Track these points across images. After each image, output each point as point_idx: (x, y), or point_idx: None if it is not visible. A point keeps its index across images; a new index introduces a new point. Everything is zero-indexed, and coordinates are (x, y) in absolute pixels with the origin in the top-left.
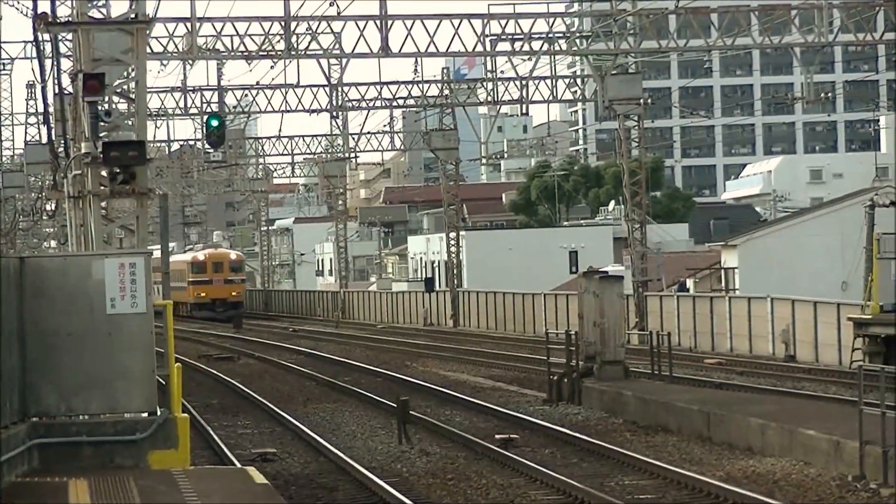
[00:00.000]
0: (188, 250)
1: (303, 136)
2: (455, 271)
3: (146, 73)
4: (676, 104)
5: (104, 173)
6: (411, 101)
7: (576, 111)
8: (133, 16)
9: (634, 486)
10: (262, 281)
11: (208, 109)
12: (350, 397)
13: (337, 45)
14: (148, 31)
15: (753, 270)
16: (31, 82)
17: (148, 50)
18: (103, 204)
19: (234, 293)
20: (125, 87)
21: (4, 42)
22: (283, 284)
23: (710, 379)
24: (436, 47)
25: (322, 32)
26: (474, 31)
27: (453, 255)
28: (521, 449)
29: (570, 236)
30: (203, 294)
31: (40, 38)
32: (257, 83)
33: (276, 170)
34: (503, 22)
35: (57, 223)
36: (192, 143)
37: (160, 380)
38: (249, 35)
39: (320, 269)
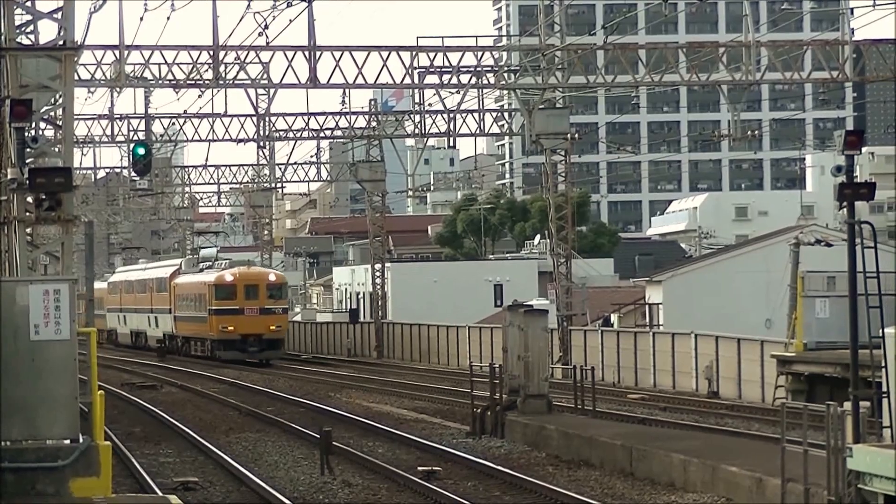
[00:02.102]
0: (205, 268)
1: (229, 166)
2: (380, 303)
3: (74, 99)
4: (603, 139)
5: (30, 199)
6: (338, 133)
7: (503, 145)
8: (61, 42)
9: None
10: None
11: (135, 137)
12: (273, 427)
13: (265, 76)
14: (76, 58)
15: (678, 306)
16: None
17: (76, 77)
18: (29, 230)
19: (272, 327)
20: (52, 113)
21: None
22: None
23: (633, 414)
24: (364, 79)
25: (250, 62)
26: (402, 64)
27: (378, 287)
28: (443, 481)
29: (496, 270)
30: (231, 328)
31: None
32: (184, 112)
33: (202, 199)
34: (431, 54)
35: None
36: (118, 170)
37: (83, 407)
38: (177, 63)
39: None
